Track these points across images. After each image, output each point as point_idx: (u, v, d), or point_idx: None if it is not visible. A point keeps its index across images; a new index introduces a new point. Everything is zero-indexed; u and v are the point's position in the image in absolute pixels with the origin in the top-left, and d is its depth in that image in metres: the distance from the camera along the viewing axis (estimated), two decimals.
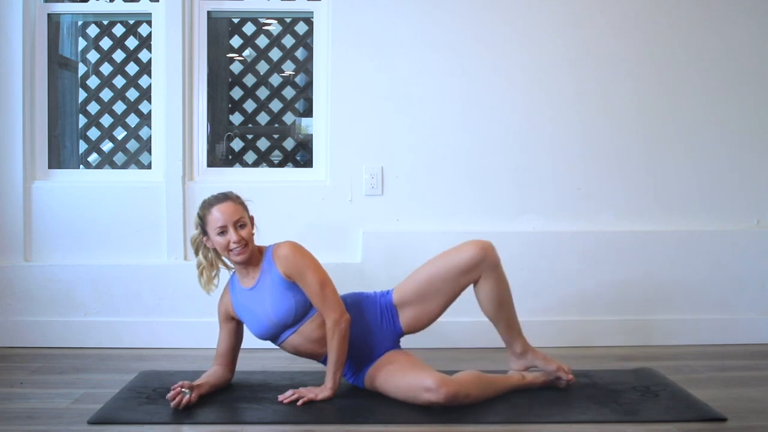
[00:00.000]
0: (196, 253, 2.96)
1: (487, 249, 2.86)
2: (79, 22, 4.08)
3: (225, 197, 2.88)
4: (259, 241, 2.96)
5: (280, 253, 2.84)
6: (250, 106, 4.10)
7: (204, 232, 2.89)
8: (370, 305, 2.93)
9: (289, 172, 3.99)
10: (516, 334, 2.96)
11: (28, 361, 3.43)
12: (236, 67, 4.10)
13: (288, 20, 4.06)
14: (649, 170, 3.78)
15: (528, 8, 3.74)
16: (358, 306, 2.92)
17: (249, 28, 4.08)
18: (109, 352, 3.58)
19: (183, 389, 2.72)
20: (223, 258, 2.94)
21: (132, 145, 4.05)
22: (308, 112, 4.04)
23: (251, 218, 2.92)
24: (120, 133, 4.06)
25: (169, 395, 2.72)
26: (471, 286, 2.91)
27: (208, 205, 2.87)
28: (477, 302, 2.92)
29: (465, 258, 2.85)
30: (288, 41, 4.08)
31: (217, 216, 2.82)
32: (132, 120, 4.02)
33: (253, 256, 2.88)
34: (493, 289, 2.88)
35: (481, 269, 2.85)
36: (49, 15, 3.82)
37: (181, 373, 3.06)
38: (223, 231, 2.82)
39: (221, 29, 4.05)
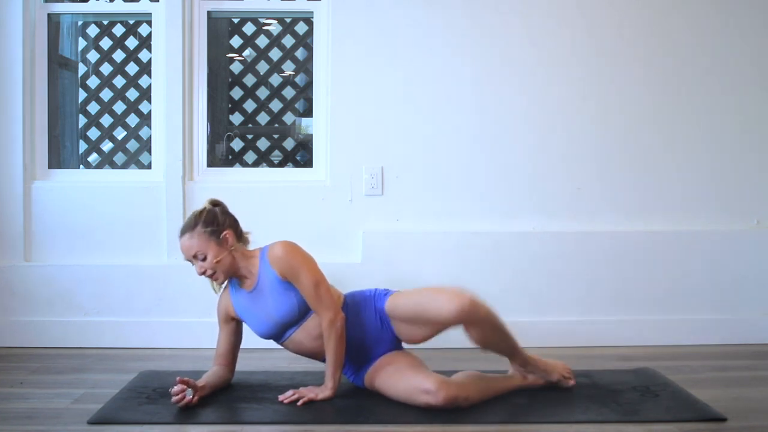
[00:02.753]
0: None
1: (465, 313, 2.67)
2: (79, 22, 4.08)
3: (183, 230, 2.86)
4: (259, 241, 2.96)
5: (273, 254, 2.83)
6: (250, 106, 4.10)
7: None
8: (368, 306, 2.92)
9: (289, 172, 3.99)
10: (513, 355, 2.89)
11: (28, 361, 3.43)
12: (236, 67, 4.10)
13: (288, 20, 4.06)
14: (650, 170, 3.78)
15: (529, 9, 3.73)
16: (358, 306, 2.91)
17: (249, 28, 4.08)
18: (108, 352, 3.58)
19: (187, 389, 2.71)
20: None
21: (132, 145, 4.05)
22: (308, 112, 4.04)
23: (224, 238, 2.83)
24: (120, 133, 4.06)
25: (174, 389, 2.71)
26: None
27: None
28: None
29: (443, 316, 2.70)
30: (288, 41, 4.08)
31: (180, 249, 2.87)
32: (132, 120, 4.02)
33: (234, 272, 2.88)
34: (477, 336, 2.77)
35: (461, 324, 2.74)
36: (49, 15, 3.82)
37: (181, 373, 3.05)
38: (189, 261, 2.87)
39: (221, 29, 4.05)
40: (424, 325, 2.79)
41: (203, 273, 2.84)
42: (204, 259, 2.82)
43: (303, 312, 2.85)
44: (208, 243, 2.82)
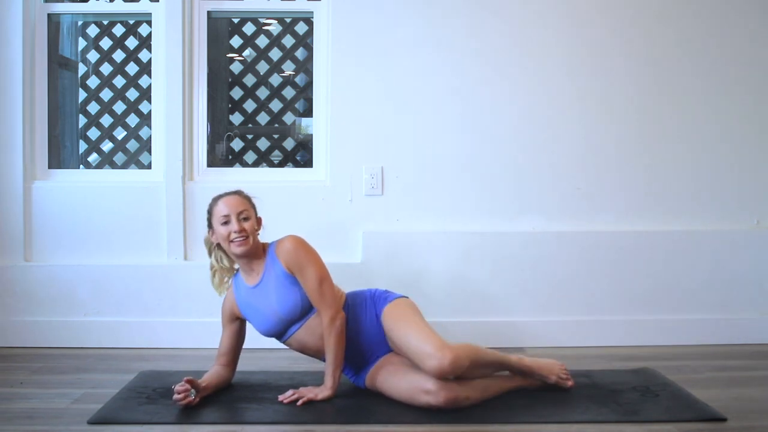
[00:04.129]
0: (209, 254, 3.00)
1: (445, 372, 2.64)
2: (79, 22, 4.08)
3: (233, 192, 2.95)
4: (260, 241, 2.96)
5: (282, 247, 2.86)
6: (250, 106, 4.10)
7: (210, 225, 2.93)
8: (368, 307, 2.92)
9: (289, 172, 3.99)
10: (507, 367, 2.91)
11: (28, 361, 3.43)
12: (236, 67, 4.10)
13: (288, 20, 4.06)
14: (649, 170, 3.78)
15: (529, 8, 3.74)
16: (357, 307, 2.92)
17: (249, 28, 4.08)
18: (109, 352, 3.58)
19: (191, 389, 2.71)
20: (233, 262, 2.98)
21: (132, 145, 4.05)
22: (308, 112, 4.04)
23: (259, 218, 2.95)
24: (120, 133, 4.06)
25: (178, 388, 2.71)
26: None
27: (216, 198, 2.94)
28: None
29: (424, 367, 2.67)
30: (288, 41, 4.08)
31: (222, 207, 2.88)
32: (132, 120, 4.02)
33: (255, 252, 2.89)
34: (461, 378, 2.75)
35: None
36: (49, 15, 3.82)
37: (181, 373, 3.06)
38: (226, 221, 2.86)
39: (221, 29, 4.05)
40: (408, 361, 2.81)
41: (241, 231, 2.84)
42: (246, 220, 2.86)
43: (306, 309, 2.86)
44: (251, 210, 2.92)
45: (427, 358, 2.66)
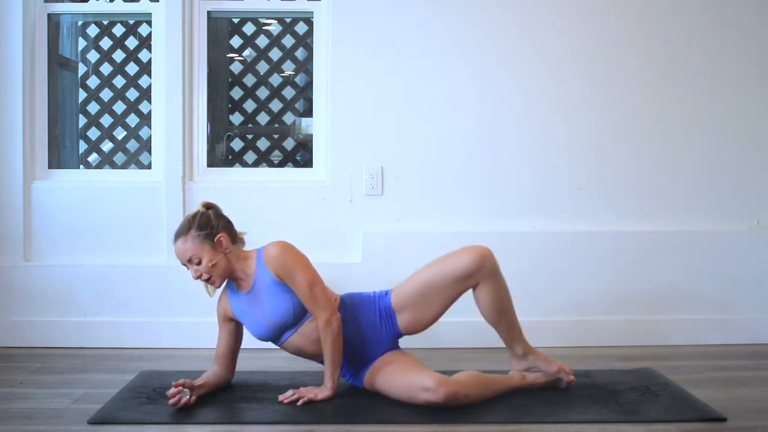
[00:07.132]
0: None
1: (485, 256, 2.82)
2: (79, 22, 4.08)
3: (177, 235, 2.85)
4: (258, 242, 2.96)
5: (269, 255, 2.83)
6: (250, 106, 4.10)
7: None
8: (369, 306, 2.92)
9: (289, 172, 3.99)
10: (516, 337, 2.94)
11: (28, 361, 3.43)
12: (236, 67, 4.10)
13: (288, 20, 4.07)
14: (650, 170, 3.78)
15: (528, 8, 3.74)
16: (356, 307, 2.92)
17: (249, 28, 4.08)
18: (109, 352, 3.58)
19: (184, 389, 2.72)
20: None
21: (132, 145, 4.05)
22: (308, 112, 4.04)
23: (218, 242, 2.82)
24: (120, 133, 4.06)
25: (170, 392, 2.71)
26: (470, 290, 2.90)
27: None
28: (476, 306, 2.91)
29: (462, 265, 2.81)
30: (288, 41, 4.09)
31: (175, 254, 2.87)
32: (132, 120, 4.02)
33: (230, 274, 2.88)
34: (491, 296, 2.85)
35: (479, 276, 2.82)
36: (49, 15, 3.82)
37: (181, 373, 3.06)
38: (185, 266, 2.87)
39: (221, 29, 4.05)
40: (440, 290, 2.84)
41: (199, 277, 2.83)
42: (199, 263, 2.82)
43: (299, 315, 2.85)
44: (203, 246, 2.81)
45: (464, 254, 2.81)
